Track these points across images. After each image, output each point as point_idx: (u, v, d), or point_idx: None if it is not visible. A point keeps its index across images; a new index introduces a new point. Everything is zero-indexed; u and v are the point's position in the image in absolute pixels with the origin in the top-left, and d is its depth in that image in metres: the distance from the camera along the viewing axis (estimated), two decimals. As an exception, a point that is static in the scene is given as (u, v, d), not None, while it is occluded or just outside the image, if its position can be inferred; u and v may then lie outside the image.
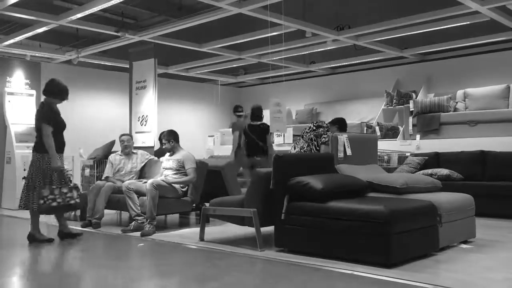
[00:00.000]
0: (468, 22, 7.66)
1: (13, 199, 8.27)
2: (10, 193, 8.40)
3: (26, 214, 7.52)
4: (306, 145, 6.15)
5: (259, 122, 7.54)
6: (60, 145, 5.26)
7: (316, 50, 9.62)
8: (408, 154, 7.85)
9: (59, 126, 5.28)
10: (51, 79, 5.46)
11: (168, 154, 6.23)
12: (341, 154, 5.32)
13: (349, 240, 3.99)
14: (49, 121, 5.16)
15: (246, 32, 8.76)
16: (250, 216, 4.57)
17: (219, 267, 4.10)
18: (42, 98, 5.51)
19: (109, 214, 6.85)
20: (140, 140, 8.01)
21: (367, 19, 8.45)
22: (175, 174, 6.01)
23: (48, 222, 6.90)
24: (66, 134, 5.44)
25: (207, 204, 5.55)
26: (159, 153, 7.29)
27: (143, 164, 6.62)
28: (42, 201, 5.01)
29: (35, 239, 5.19)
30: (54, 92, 5.35)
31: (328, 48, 9.30)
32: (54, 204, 5.04)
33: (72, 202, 5.17)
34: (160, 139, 7.98)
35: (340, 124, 6.42)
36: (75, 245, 5.12)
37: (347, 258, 3.99)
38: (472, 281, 3.46)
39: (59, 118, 5.32)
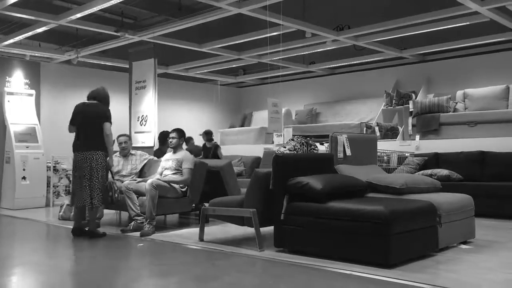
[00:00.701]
0: (468, 23, 7.66)
1: (12, 199, 8.27)
2: (9, 193, 8.39)
3: (25, 213, 7.56)
4: (299, 145, 6.15)
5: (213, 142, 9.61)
6: None
7: (316, 51, 9.62)
8: (407, 154, 7.85)
9: None
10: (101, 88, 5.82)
11: (170, 153, 6.22)
12: (340, 155, 5.32)
13: (348, 240, 3.99)
14: (110, 121, 5.52)
15: (245, 32, 8.75)
16: (249, 216, 4.57)
17: (218, 267, 4.09)
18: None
19: (109, 214, 6.84)
20: (139, 140, 8.00)
21: (367, 19, 8.44)
22: (174, 173, 6.00)
23: (49, 222, 6.90)
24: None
25: (206, 204, 5.55)
26: (158, 153, 7.29)
27: (142, 165, 6.62)
28: (110, 193, 5.47)
29: (96, 234, 5.39)
30: (107, 102, 5.74)
31: (328, 48, 9.30)
32: (116, 196, 5.53)
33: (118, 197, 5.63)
34: (159, 138, 7.98)
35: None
36: (74, 245, 5.11)
37: (346, 258, 3.99)
38: (472, 282, 3.46)
39: None
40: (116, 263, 4.42)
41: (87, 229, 5.47)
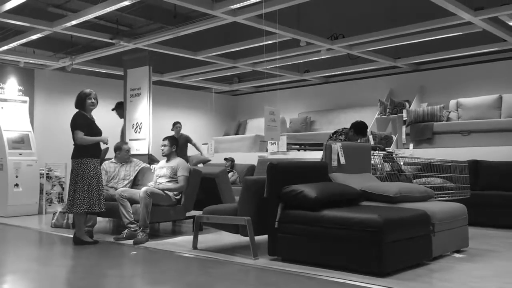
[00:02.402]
0: (461, 33, 7.73)
1: (4, 206, 8.21)
2: (2, 200, 8.33)
3: (17, 221, 7.51)
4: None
5: None
6: (96, 151, 5.57)
7: (311, 59, 9.66)
8: (401, 163, 7.85)
9: (93, 132, 5.56)
10: (78, 93, 5.74)
11: (163, 161, 6.22)
12: (334, 163, 5.33)
13: (342, 249, 3.99)
14: (80, 128, 5.46)
15: (240, 40, 8.79)
16: (244, 224, 4.56)
17: (212, 276, 4.08)
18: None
19: (102, 221, 6.81)
20: (134, 147, 7.98)
21: (361, 28, 8.50)
22: (168, 181, 5.99)
23: (42, 230, 6.85)
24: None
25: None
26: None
27: (136, 173, 6.60)
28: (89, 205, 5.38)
29: (82, 242, 5.41)
30: (77, 104, 5.66)
31: (322, 57, 9.35)
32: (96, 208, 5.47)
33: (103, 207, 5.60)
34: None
35: (355, 128, 6.39)
36: (67, 253, 5.08)
37: (340, 267, 3.99)
38: (465, 291, 3.47)
39: (94, 125, 5.61)
40: (109, 271, 4.40)
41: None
